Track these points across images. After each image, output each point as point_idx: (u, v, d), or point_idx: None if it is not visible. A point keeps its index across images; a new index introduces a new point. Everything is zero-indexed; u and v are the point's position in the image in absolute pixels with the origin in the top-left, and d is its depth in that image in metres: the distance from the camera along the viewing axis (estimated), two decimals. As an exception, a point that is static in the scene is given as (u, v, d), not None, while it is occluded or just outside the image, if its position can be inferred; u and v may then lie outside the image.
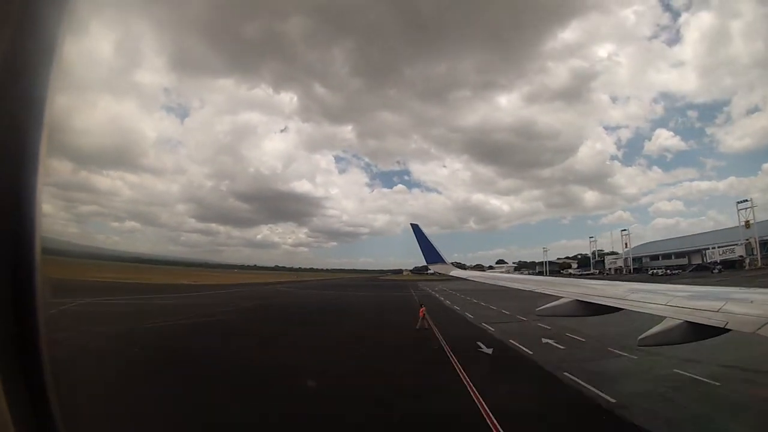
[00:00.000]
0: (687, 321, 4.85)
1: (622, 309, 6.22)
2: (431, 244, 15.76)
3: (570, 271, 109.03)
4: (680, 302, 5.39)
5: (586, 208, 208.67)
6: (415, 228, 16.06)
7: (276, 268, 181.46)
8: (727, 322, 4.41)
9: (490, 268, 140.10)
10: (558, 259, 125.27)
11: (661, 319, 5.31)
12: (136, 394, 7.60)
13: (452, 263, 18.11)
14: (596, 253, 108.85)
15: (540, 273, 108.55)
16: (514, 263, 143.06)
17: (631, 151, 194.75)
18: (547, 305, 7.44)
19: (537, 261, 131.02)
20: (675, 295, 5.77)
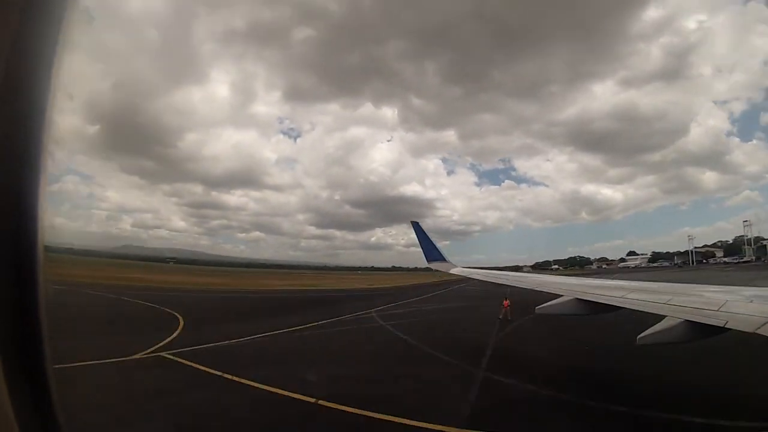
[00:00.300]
0: (687, 320, 4.85)
1: (622, 308, 6.23)
2: (432, 243, 15.79)
3: (724, 259, 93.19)
4: (680, 301, 5.39)
5: (707, 190, 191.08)
6: (416, 226, 16.08)
7: (392, 269, 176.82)
8: (727, 321, 4.42)
9: (622, 260, 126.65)
10: (696, 248, 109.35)
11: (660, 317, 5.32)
12: None
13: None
14: (751, 240, 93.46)
15: (684, 263, 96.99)
16: (643, 254, 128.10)
17: (748, 124, 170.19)
18: (547, 304, 7.44)
19: (672, 251, 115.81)
20: (675, 293, 5.78)
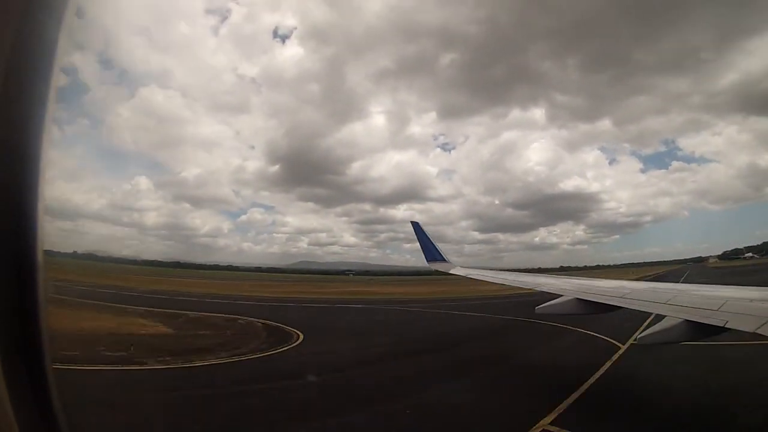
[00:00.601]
0: (686, 320, 4.85)
1: (622, 308, 6.23)
2: (432, 243, 15.84)
3: None
4: (680, 301, 5.39)
5: None
6: (415, 226, 16.13)
7: (561, 269, 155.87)
8: (727, 321, 4.42)
9: None
10: None
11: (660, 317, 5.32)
12: None
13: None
14: None
15: None
16: None
17: None
18: (547, 303, 7.44)
19: None
20: (676, 293, 5.77)
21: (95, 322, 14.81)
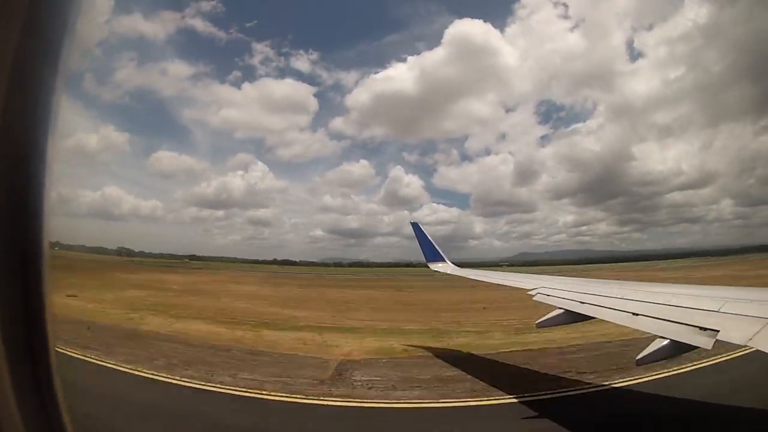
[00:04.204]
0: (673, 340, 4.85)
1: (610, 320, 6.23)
2: (431, 243, 15.79)
3: None
4: (672, 315, 5.33)
5: None
6: (415, 226, 16.06)
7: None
8: (720, 331, 4.44)
9: None
10: None
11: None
12: None
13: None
14: None
15: None
16: None
17: None
18: (543, 318, 7.48)
19: None
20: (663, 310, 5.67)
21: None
